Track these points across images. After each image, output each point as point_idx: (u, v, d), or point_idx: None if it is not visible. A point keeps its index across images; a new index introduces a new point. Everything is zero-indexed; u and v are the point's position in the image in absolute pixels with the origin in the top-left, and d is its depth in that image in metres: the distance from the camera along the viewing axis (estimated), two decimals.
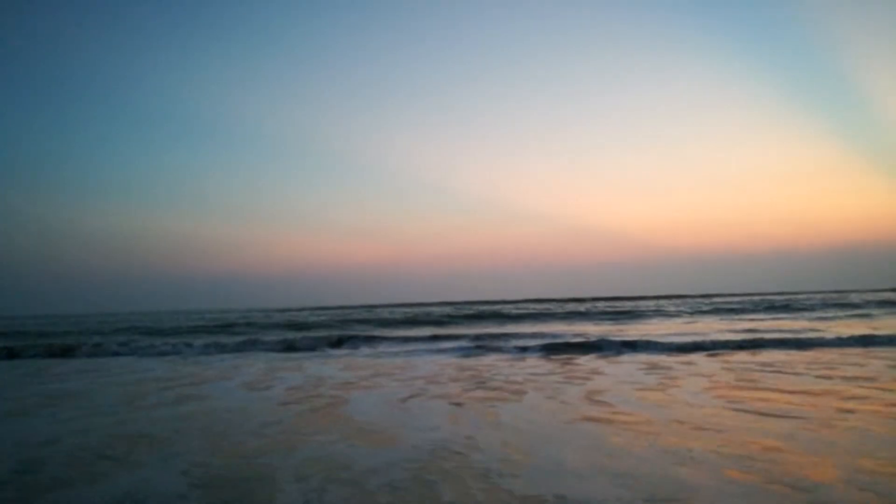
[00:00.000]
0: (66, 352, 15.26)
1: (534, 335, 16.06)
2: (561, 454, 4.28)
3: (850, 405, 5.88)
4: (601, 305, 39.33)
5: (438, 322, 25.32)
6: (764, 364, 9.55)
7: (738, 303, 35.10)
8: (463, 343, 14.52)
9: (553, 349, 12.83)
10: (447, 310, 38.54)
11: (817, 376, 8.02)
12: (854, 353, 10.76)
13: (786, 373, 8.47)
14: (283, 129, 67.80)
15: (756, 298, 43.68)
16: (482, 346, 13.93)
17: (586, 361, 10.84)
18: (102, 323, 33.89)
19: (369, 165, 74.44)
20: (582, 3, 61.13)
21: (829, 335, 13.88)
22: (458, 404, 6.61)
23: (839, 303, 30.72)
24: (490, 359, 11.74)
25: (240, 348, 14.89)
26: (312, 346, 15.09)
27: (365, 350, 14.21)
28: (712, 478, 3.65)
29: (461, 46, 65.41)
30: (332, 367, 11.07)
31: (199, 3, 58.22)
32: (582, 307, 37.21)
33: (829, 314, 23.63)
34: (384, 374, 9.80)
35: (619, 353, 12.05)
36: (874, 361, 9.55)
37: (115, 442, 5.11)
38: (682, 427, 5.12)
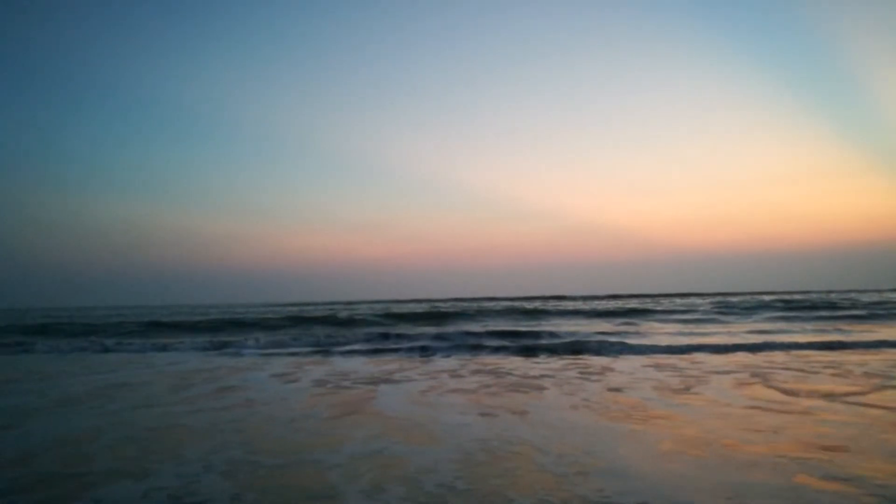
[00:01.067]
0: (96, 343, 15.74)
1: (540, 333, 15.99)
2: (620, 456, 4.12)
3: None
4: (606, 304, 39.55)
5: (444, 317, 25.55)
6: (779, 364, 9.49)
7: (743, 303, 35.19)
8: (471, 340, 14.74)
9: (560, 347, 12.84)
10: (454, 306, 38.81)
11: (834, 375, 7.96)
12: (865, 355, 10.73)
13: (806, 373, 8.40)
14: (287, 126, 67.92)
15: (762, 298, 43.83)
16: (491, 343, 14.14)
17: (595, 359, 10.86)
18: (109, 317, 34.16)
19: (372, 163, 74.55)
20: (584, 3, 61.18)
21: (835, 337, 13.85)
22: (484, 401, 6.57)
23: (846, 303, 30.30)
24: (500, 355, 11.77)
25: (265, 345, 15.10)
26: (332, 342, 15.32)
27: (378, 346, 14.24)
28: (784, 482, 3.49)
29: (464, 46, 65.43)
30: (354, 361, 11.17)
31: (203, 2, 58.39)
32: (587, 305, 37.47)
33: (836, 314, 23.28)
34: (406, 368, 9.87)
35: (624, 351, 12.03)
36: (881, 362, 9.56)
37: (161, 435, 5.07)
38: (727, 427, 5.01)
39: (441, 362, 10.69)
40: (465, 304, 41.92)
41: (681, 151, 70.86)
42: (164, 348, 14.25)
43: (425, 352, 12.33)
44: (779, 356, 10.65)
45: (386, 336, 15.56)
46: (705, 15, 56.76)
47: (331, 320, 23.94)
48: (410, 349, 12.83)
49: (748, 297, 45.17)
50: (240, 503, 3.28)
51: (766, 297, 43.07)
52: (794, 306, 27.36)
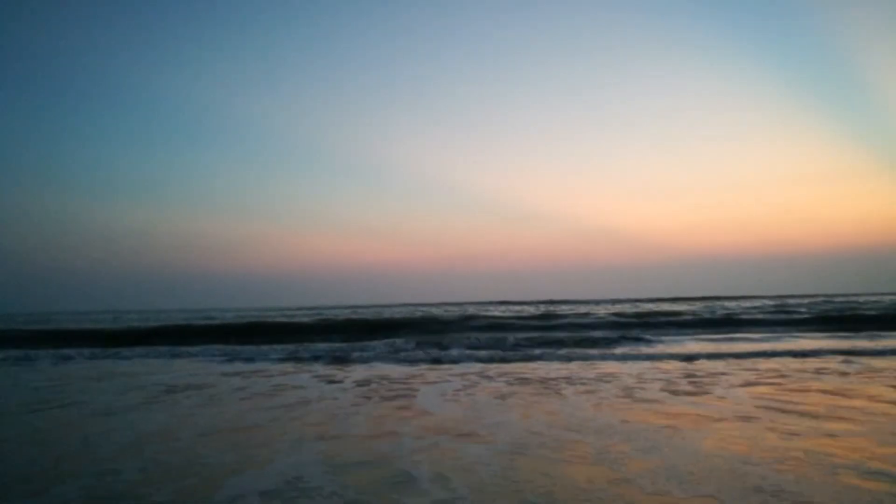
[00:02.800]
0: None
1: (552, 340, 16.87)
2: (675, 457, 4.39)
3: None
4: (618, 308, 40.08)
5: (460, 322, 26.11)
6: (792, 370, 9.91)
7: (763, 307, 34.09)
8: (490, 345, 15.55)
9: (574, 355, 13.62)
10: (464, 310, 39.52)
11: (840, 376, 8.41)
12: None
13: (823, 375, 8.83)
14: (294, 130, 68.41)
15: (776, 302, 43.76)
16: (508, 347, 14.94)
17: (609, 364, 11.53)
18: (120, 321, 34.92)
19: (381, 167, 75.05)
20: (594, 5, 61.49)
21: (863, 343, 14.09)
22: (516, 400, 7.16)
23: (871, 308, 28.81)
24: (520, 362, 12.38)
25: (294, 350, 16.00)
26: (353, 347, 16.21)
27: (402, 348, 15.01)
28: (832, 483, 3.70)
29: (473, 48, 65.78)
30: (385, 365, 12.02)
31: (209, 4, 58.95)
32: (602, 309, 38.00)
33: (864, 314, 23.10)
34: (435, 370, 10.62)
35: (638, 357, 12.71)
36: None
37: (244, 431, 5.67)
38: (757, 426, 5.35)
39: (466, 366, 11.33)
40: (476, 308, 42.62)
41: (692, 154, 71.05)
42: (199, 354, 15.05)
43: (448, 356, 13.01)
44: (800, 363, 10.95)
45: (407, 340, 16.40)
46: (715, 16, 56.91)
47: (353, 325, 24.83)
48: (435, 353, 13.56)
49: (764, 302, 45.23)
50: (341, 488, 3.82)
51: (778, 302, 43.23)
52: (813, 311, 26.84)
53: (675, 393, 7.56)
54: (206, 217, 77.69)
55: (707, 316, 26.06)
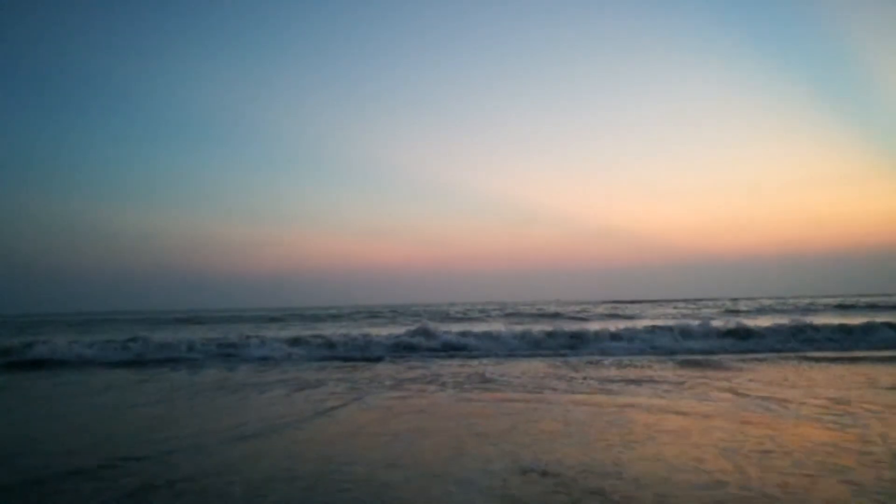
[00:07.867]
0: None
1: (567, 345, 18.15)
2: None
3: None
4: (625, 308, 41.23)
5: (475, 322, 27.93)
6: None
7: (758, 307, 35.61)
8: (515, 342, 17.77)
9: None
10: (469, 310, 41.17)
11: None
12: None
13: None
14: (301, 132, 68.43)
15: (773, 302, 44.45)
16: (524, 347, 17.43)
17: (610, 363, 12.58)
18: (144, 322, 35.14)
19: (387, 168, 75.31)
20: (600, 8, 62.96)
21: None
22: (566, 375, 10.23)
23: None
24: (542, 359, 14.00)
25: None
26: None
27: (458, 341, 17.80)
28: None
29: (476, 52, 66.16)
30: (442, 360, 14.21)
31: (217, 9, 59.73)
32: (609, 310, 39.58)
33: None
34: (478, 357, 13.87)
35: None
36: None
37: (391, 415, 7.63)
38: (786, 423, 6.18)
39: (515, 360, 13.53)
40: (484, 310, 44.22)
41: (698, 156, 72.24)
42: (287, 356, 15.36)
43: (481, 352, 15.79)
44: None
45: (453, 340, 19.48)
46: (722, 18, 57.12)
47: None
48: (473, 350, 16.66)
49: (767, 303, 45.75)
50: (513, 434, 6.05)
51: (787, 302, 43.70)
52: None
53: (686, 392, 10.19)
54: (211, 219, 78.64)
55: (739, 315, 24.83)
